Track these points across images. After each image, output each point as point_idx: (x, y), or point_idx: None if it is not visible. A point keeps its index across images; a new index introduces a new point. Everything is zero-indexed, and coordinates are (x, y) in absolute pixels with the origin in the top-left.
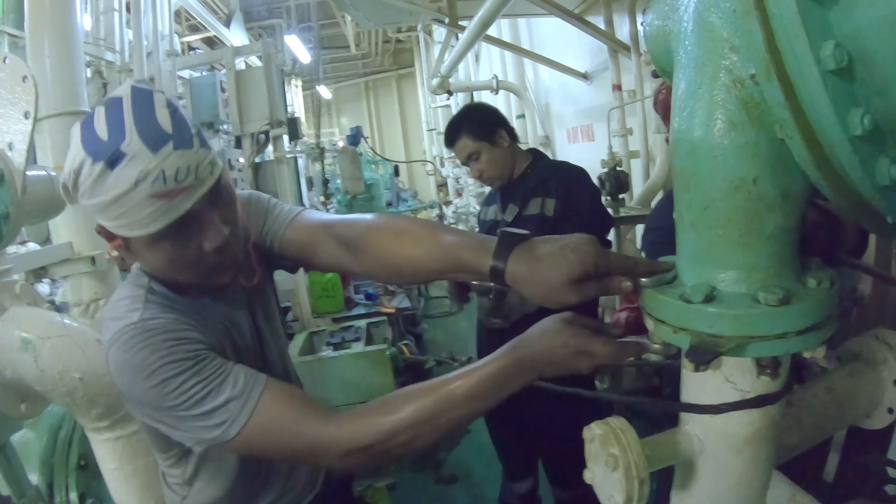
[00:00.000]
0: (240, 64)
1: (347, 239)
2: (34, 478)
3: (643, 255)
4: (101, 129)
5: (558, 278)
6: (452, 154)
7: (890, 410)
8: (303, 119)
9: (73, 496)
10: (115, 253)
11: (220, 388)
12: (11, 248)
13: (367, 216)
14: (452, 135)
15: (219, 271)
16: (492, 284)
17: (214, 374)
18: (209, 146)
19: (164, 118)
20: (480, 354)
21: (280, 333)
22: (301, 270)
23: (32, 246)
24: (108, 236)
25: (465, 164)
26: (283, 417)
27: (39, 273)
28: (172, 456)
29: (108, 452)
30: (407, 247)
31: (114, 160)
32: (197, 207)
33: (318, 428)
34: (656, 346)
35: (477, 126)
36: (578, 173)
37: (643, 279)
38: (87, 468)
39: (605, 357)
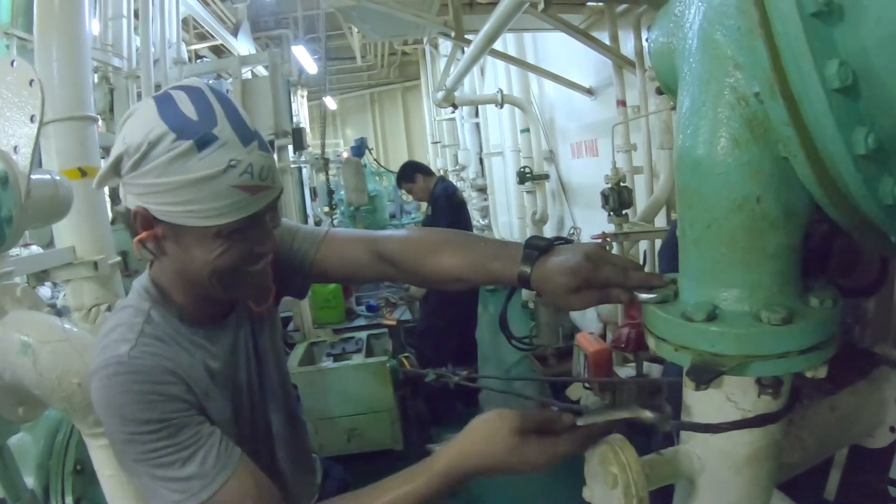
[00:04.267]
0: (246, 73)
1: (386, 254)
2: (30, 481)
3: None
4: (188, 109)
5: (559, 287)
6: (455, 168)
7: (892, 429)
8: (308, 129)
9: (69, 501)
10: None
11: (188, 461)
12: (14, 251)
13: (401, 232)
14: (398, 182)
15: (250, 287)
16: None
17: (186, 443)
18: None
19: (246, 118)
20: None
21: (282, 356)
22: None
23: (35, 249)
24: (146, 224)
25: (408, 192)
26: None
27: (41, 276)
28: None
29: (104, 458)
30: (443, 260)
31: (204, 142)
32: (264, 210)
33: None
34: (648, 415)
35: (406, 175)
36: (438, 192)
37: (643, 294)
38: (84, 473)
39: (563, 453)
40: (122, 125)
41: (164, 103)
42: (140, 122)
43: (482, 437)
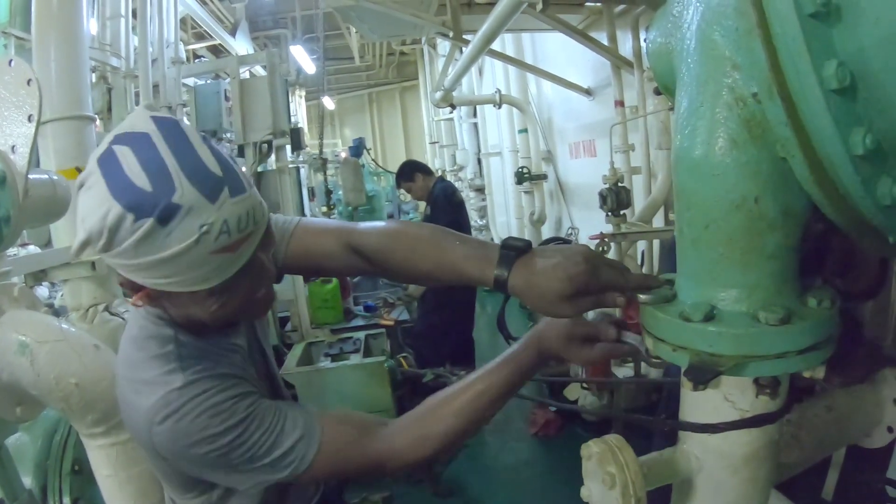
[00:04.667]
0: (244, 73)
1: (360, 247)
2: (28, 481)
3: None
4: (138, 176)
5: (553, 294)
6: (453, 168)
7: (890, 429)
8: (306, 129)
9: (67, 500)
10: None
11: (283, 434)
12: (11, 251)
13: (378, 224)
14: (397, 181)
15: (259, 310)
16: None
17: (274, 421)
18: (251, 183)
19: (208, 159)
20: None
21: (270, 348)
22: (298, 280)
23: (33, 249)
24: (134, 287)
25: (408, 192)
26: (346, 444)
27: (39, 276)
28: (195, 495)
29: (102, 458)
30: (414, 258)
31: (166, 216)
32: (253, 255)
33: (378, 446)
34: (655, 360)
35: (406, 174)
36: (437, 192)
37: (641, 295)
38: (81, 473)
39: (595, 358)
40: (78, 195)
41: (112, 171)
42: (93, 202)
43: (544, 332)
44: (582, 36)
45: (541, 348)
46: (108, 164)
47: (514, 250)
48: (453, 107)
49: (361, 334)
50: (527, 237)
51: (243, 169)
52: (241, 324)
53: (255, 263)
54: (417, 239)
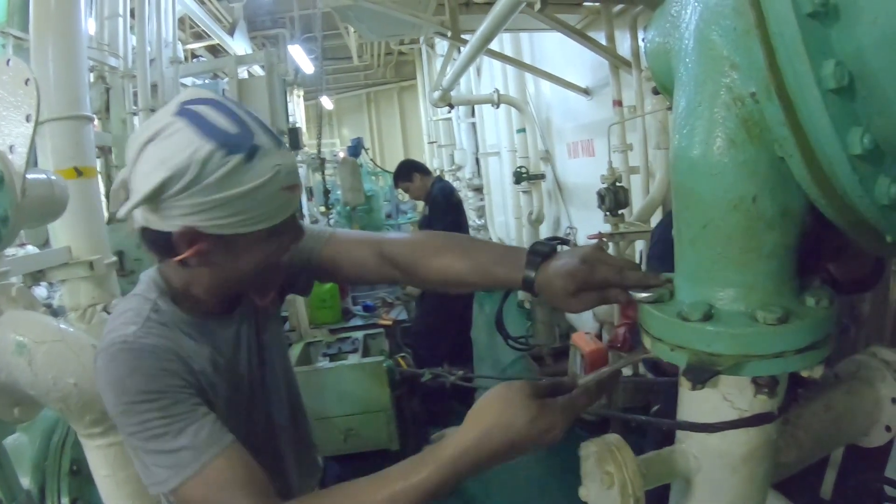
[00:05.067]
0: (242, 73)
1: (392, 257)
2: (26, 482)
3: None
4: (223, 123)
5: (561, 291)
6: (452, 168)
7: (888, 428)
8: (304, 129)
9: (65, 501)
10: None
11: (180, 433)
12: (10, 251)
13: (407, 235)
14: (395, 180)
15: (277, 279)
16: None
17: (180, 416)
18: None
19: (265, 123)
20: None
21: (286, 351)
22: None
23: (31, 249)
24: (192, 241)
25: (405, 192)
26: (226, 485)
27: (37, 276)
28: None
29: (100, 459)
30: (447, 264)
31: (252, 153)
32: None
33: None
34: (640, 355)
35: (403, 174)
36: (436, 192)
37: (639, 294)
38: (80, 473)
39: (577, 413)
40: (143, 149)
41: (197, 120)
42: (178, 145)
43: (497, 411)
44: (580, 36)
45: (473, 454)
46: (190, 115)
47: (541, 255)
48: (451, 106)
49: (360, 334)
50: (525, 237)
51: None
52: (236, 314)
53: (295, 218)
54: (447, 247)
